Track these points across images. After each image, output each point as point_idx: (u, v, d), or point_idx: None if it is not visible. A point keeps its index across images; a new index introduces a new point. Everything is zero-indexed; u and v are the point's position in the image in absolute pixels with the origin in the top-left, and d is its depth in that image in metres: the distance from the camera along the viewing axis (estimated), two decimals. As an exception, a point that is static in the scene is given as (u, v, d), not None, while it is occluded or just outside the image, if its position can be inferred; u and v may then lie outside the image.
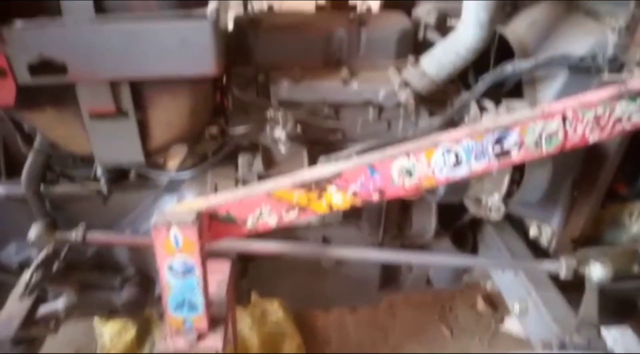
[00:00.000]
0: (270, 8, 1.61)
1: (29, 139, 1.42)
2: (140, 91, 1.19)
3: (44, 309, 1.42)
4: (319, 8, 1.75)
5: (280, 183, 1.11)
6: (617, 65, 1.22)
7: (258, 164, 1.44)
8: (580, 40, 1.30)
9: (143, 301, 1.59)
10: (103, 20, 1.05)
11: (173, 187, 1.55)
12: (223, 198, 1.11)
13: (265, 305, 2.26)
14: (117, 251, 1.59)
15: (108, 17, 1.06)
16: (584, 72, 1.26)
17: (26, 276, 1.37)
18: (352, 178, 1.09)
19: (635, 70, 1.20)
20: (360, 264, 1.66)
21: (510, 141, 1.08)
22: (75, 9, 1.04)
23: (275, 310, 2.26)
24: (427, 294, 2.56)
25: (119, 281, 1.58)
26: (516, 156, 1.10)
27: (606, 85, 1.14)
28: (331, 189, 1.10)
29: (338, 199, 1.12)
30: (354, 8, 1.75)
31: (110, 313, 1.65)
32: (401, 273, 1.76)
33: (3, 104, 1.13)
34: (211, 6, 1.06)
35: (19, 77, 1.07)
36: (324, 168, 1.11)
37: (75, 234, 1.33)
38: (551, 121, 1.07)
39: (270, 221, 1.12)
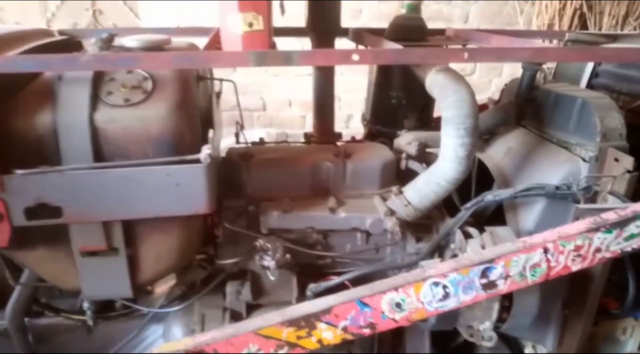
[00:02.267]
0: (262, 139, 1.69)
1: (17, 271, 1.41)
2: (131, 228, 1.20)
3: None
4: (307, 135, 1.86)
5: (268, 320, 1.09)
6: (591, 193, 1.28)
7: (246, 292, 1.43)
8: (556, 169, 1.38)
9: None
10: (101, 166, 1.09)
11: (159, 316, 1.52)
12: (210, 336, 1.08)
13: None
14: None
15: (106, 163, 1.10)
16: (561, 199, 1.32)
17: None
18: (342, 314, 1.09)
19: (609, 198, 1.26)
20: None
21: (495, 274, 1.10)
22: (74, 157, 1.08)
23: None
24: None
25: None
26: (503, 287, 1.12)
27: (583, 214, 1.19)
28: (321, 325, 1.09)
29: (328, 335, 1.10)
30: (339, 135, 1.86)
31: None
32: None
33: (-3, 245, 1.14)
34: (204, 151, 1.11)
35: (15, 220, 1.09)
36: (313, 303, 1.11)
37: (55, 371, 1.28)
38: (533, 253, 1.10)
39: (259, 359, 1.09)
